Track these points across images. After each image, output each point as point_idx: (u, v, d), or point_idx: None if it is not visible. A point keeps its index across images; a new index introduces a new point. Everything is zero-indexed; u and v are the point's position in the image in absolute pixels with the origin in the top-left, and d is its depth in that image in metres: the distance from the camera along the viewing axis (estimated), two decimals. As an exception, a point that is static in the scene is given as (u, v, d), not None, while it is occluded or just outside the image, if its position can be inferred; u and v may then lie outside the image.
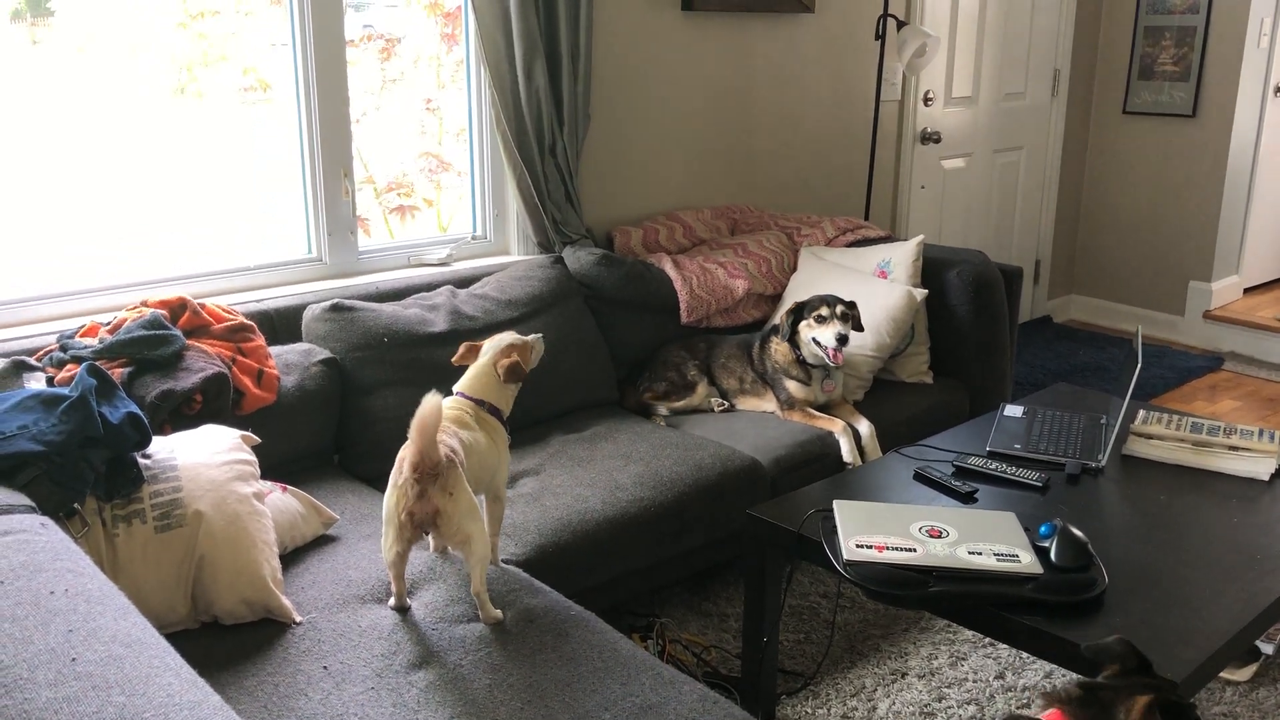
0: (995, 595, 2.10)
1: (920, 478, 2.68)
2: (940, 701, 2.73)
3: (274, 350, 2.93)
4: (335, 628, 2.11)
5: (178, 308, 2.70)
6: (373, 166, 3.78)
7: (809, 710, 2.69)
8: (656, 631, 2.80)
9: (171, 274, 3.14)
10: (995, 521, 2.33)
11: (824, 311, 3.23)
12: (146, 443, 2.15)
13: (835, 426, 3.20)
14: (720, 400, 3.40)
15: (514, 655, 2.04)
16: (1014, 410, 3.10)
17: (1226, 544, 2.36)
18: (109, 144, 3.13)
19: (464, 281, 3.44)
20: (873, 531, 2.26)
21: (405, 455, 2.06)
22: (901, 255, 3.57)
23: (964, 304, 3.58)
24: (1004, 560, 2.15)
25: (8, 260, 2.93)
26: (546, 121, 3.53)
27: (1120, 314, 6.10)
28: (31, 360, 2.52)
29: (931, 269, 3.63)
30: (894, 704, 2.72)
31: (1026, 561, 2.15)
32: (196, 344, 2.64)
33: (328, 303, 3.03)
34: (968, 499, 2.57)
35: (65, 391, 2.07)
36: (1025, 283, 5.85)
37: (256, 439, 2.39)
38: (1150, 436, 2.83)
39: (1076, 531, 2.24)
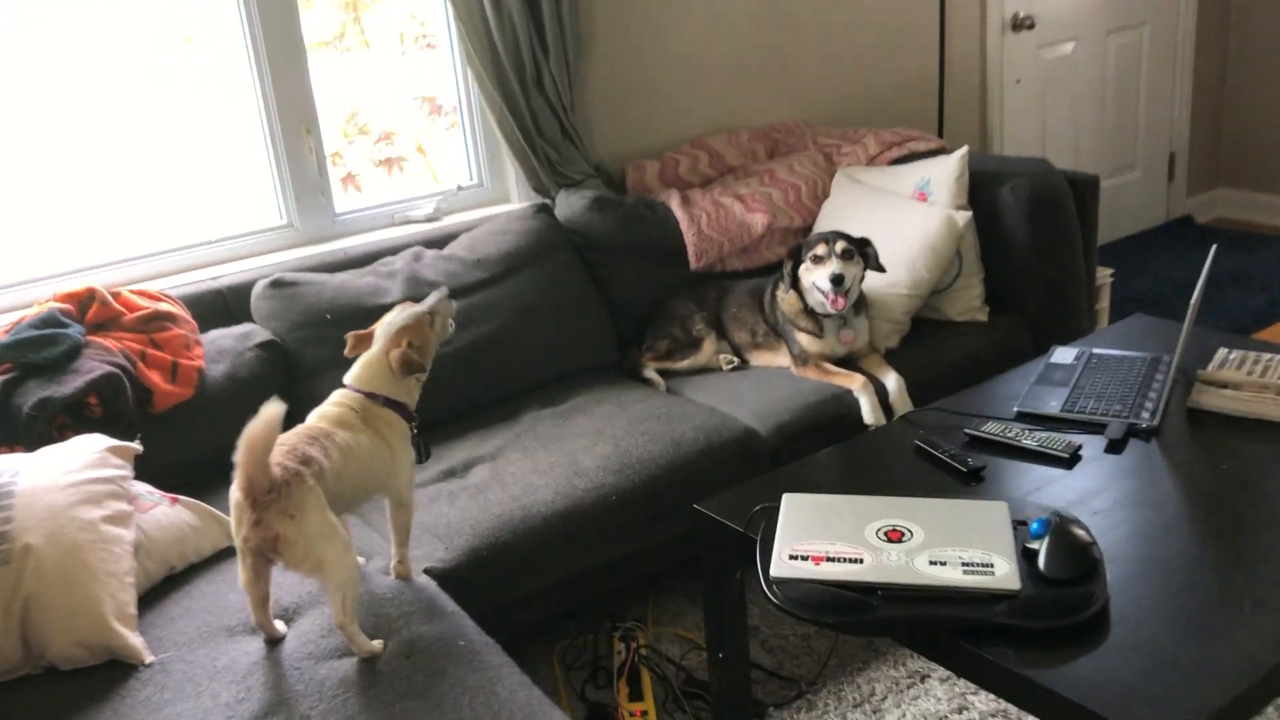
0: (953, 620, 1.66)
1: (921, 451, 2.22)
2: (961, 714, 2.30)
3: (211, 335, 2.69)
4: (186, 670, 1.85)
5: (85, 299, 2.48)
6: (365, 115, 3.49)
7: (799, 726, 2.30)
8: (619, 638, 2.46)
9: (125, 254, 2.94)
10: (979, 516, 1.86)
11: (820, 250, 2.76)
12: (-23, 468, 1.93)
13: (854, 383, 2.75)
14: (730, 358, 2.99)
15: (371, 703, 1.74)
16: (1064, 355, 2.57)
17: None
18: (47, 118, 2.92)
19: (451, 239, 3.12)
20: (815, 536, 1.83)
21: (235, 476, 1.77)
22: (942, 172, 3.03)
23: (1021, 225, 3.02)
24: (973, 572, 1.70)
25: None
26: (526, 50, 3.14)
27: (1277, 208, 5.27)
28: (-73, 368, 2.35)
29: (982, 186, 3.07)
30: (904, 716, 2.30)
31: (1001, 574, 1.69)
32: (99, 339, 2.42)
33: (269, 278, 2.76)
34: (971, 479, 2.10)
35: None
36: (1158, 181, 5.14)
37: (137, 448, 2.15)
38: (1224, 384, 2.27)
39: (1077, 529, 1.76)
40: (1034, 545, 1.76)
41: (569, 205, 3.16)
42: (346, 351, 2.13)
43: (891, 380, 2.78)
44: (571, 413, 2.73)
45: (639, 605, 2.70)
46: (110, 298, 2.51)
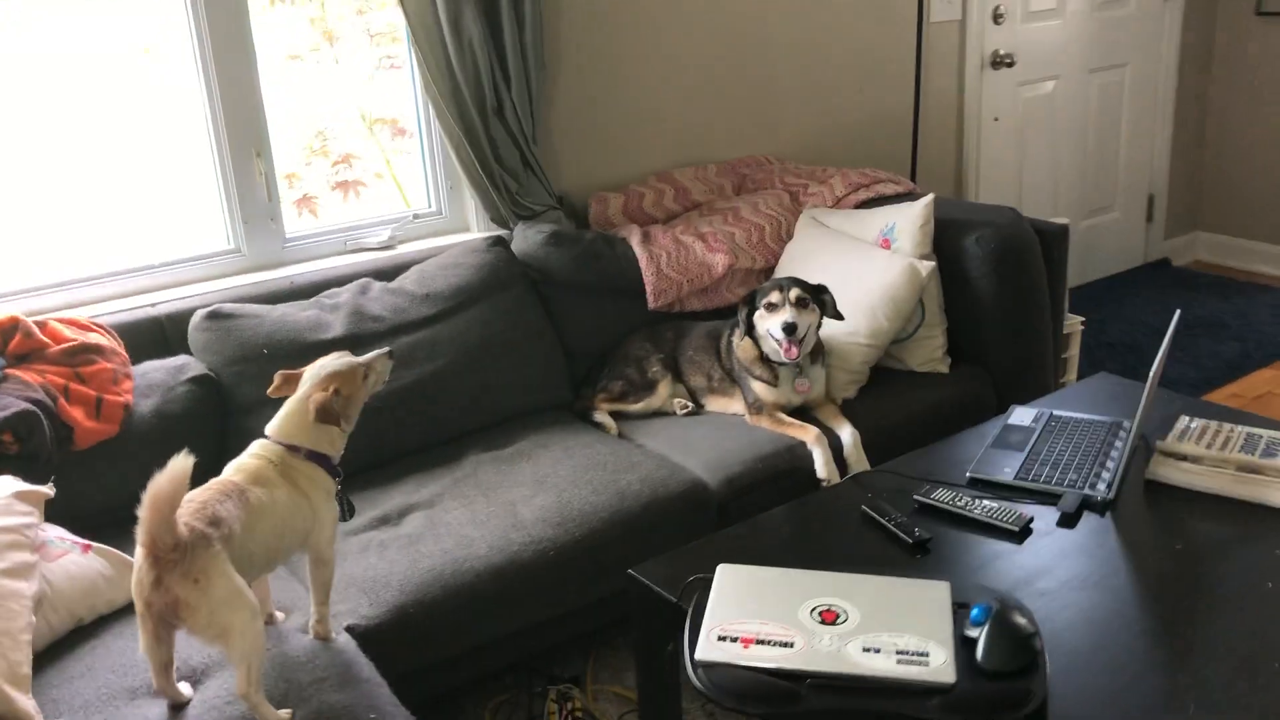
0: (882, 715, 1.57)
1: (867, 518, 2.13)
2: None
3: (144, 367, 2.59)
4: (80, 737, 1.76)
5: (9, 329, 2.38)
6: (329, 134, 3.40)
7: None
8: (553, 698, 2.37)
9: (62, 279, 2.84)
10: (919, 597, 1.78)
11: (774, 298, 2.68)
12: None
13: (807, 436, 2.66)
14: (684, 402, 2.90)
15: (270, 781, 1.64)
16: (1023, 415, 2.49)
17: (1263, 620, 1.74)
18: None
19: (405, 268, 3.03)
20: (748, 613, 1.75)
21: (138, 534, 1.68)
22: (907, 220, 2.96)
23: (986, 276, 2.94)
24: (907, 661, 1.62)
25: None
26: (486, 79, 3.05)
27: (1256, 254, 5.22)
28: None
29: (948, 234, 3.00)
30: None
31: (936, 665, 1.61)
32: (18, 373, 2.32)
33: (206, 309, 2.66)
34: (917, 550, 2.02)
35: None
36: (1135, 222, 5.09)
37: (48, 492, 2.05)
38: (1183, 456, 2.19)
39: (1019, 617, 1.68)
40: (973, 633, 1.68)
41: (526, 239, 3.08)
42: (270, 391, 2.05)
43: (846, 433, 2.70)
44: (515, 457, 2.64)
45: (579, 660, 2.61)
46: (35, 328, 2.40)
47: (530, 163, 3.21)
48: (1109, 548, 2.00)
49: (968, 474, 2.26)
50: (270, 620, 2.07)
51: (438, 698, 2.50)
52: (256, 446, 1.97)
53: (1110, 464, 2.21)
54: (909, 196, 3.19)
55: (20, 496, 1.99)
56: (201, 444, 2.18)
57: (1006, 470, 2.25)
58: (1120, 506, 2.12)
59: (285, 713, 1.79)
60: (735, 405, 2.84)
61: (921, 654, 1.63)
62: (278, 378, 2.04)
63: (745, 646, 1.68)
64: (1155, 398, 2.46)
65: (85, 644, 2.00)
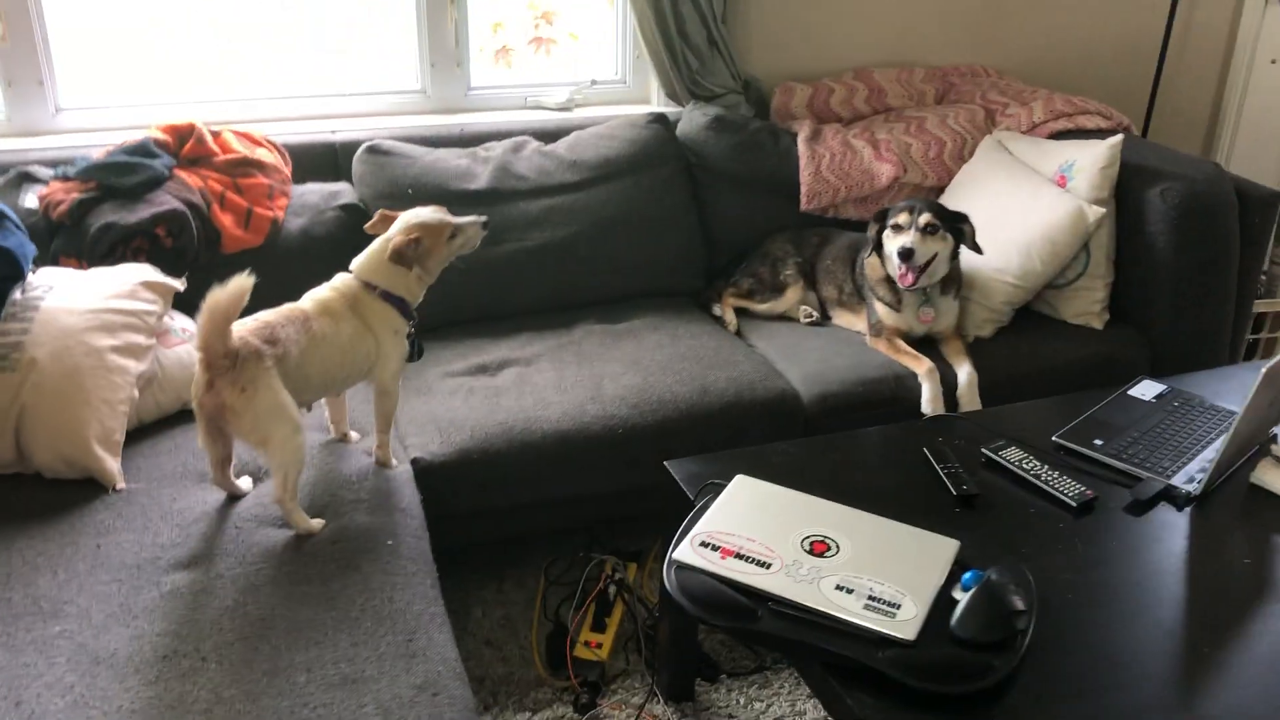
0: (830, 654, 1.55)
1: (925, 460, 2.06)
2: None
3: (306, 188, 2.79)
4: (146, 504, 1.98)
5: (185, 133, 2.61)
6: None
7: (741, 699, 2.24)
8: (610, 567, 2.44)
9: (259, 94, 3.06)
10: (922, 548, 1.72)
11: (901, 219, 2.54)
12: (18, 278, 2.10)
13: (920, 366, 2.56)
14: (810, 310, 2.84)
15: (278, 578, 1.81)
16: (1146, 389, 2.31)
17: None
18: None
19: (571, 132, 3.08)
20: (741, 527, 1.75)
21: (195, 340, 1.85)
22: (1089, 158, 2.71)
23: (1165, 233, 2.67)
24: (874, 609, 1.58)
25: (110, 64, 2.98)
26: (680, -50, 2.99)
27: None
28: (40, 172, 2.55)
29: (1134, 181, 2.73)
30: None
31: (902, 619, 1.56)
32: (186, 174, 2.55)
33: (368, 142, 2.82)
34: (963, 503, 1.94)
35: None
36: None
37: (177, 285, 2.28)
38: (1295, 465, 1.97)
39: (1013, 593, 1.60)
40: (960, 597, 1.62)
41: (690, 120, 3.05)
42: (367, 226, 2.16)
43: (964, 372, 2.57)
44: (622, 335, 2.68)
45: (649, 539, 2.67)
46: (209, 136, 2.62)
47: (716, 41, 3.14)
48: (1167, 545, 1.84)
49: (1054, 436, 2.12)
50: (345, 439, 2.23)
51: (503, 540, 2.64)
52: (337, 279, 2.10)
53: (1207, 457, 2.01)
54: (1107, 133, 2.91)
55: (148, 285, 2.22)
56: (338, 267, 2.32)
57: (1097, 441, 2.10)
58: (1206, 505, 1.94)
59: (318, 522, 1.94)
60: (860, 323, 2.76)
61: (893, 605, 1.59)
62: (377, 215, 2.15)
63: (723, 557, 1.68)
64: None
65: (182, 425, 2.22)
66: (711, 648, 2.36)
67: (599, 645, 2.31)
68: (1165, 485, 1.96)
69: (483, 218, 2.17)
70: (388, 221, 2.13)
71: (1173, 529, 1.88)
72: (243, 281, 1.78)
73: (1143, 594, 1.72)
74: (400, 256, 2.03)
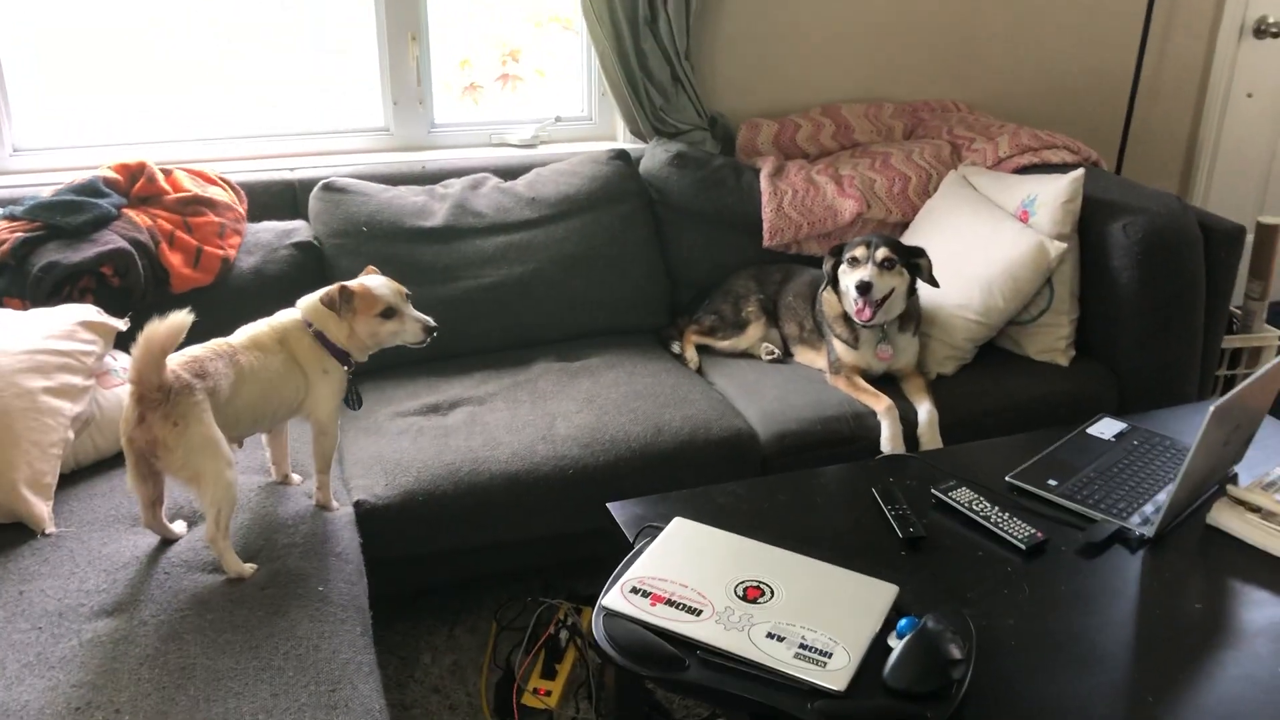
0: (758, 705, 1.50)
1: (873, 501, 2.01)
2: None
3: (261, 226, 2.77)
4: (74, 549, 1.94)
5: (136, 172, 2.60)
6: (497, 28, 3.45)
7: (694, 751, 2.18)
8: (564, 612, 2.39)
9: (217, 133, 3.05)
10: (859, 594, 1.67)
11: (858, 253, 2.51)
12: (-52, 318, 2.07)
13: (879, 405, 2.51)
14: (770, 348, 2.80)
15: (203, 625, 1.76)
16: (1106, 427, 2.26)
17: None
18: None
19: (533, 169, 3.06)
20: (674, 572, 1.70)
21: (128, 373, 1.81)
22: (1051, 193, 2.68)
23: (1129, 268, 2.64)
24: (805, 658, 1.53)
25: (67, 105, 2.97)
26: (640, -12, 2.98)
27: None
28: (-11, 212, 2.53)
29: (1097, 215, 2.70)
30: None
31: (833, 668, 1.51)
32: (134, 214, 2.52)
33: (324, 180, 2.80)
34: (909, 545, 1.89)
35: None
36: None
37: (118, 325, 2.24)
38: (1253, 507, 1.92)
39: (949, 641, 1.55)
40: (895, 645, 1.57)
41: (653, 157, 3.03)
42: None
43: (924, 410, 2.52)
44: (580, 372, 2.64)
45: (604, 583, 2.61)
46: (159, 175, 2.60)
47: (680, 78, 3.13)
48: (1118, 590, 1.79)
49: (1008, 476, 2.08)
50: (286, 481, 2.19)
51: (455, 584, 2.59)
52: (278, 314, 2.06)
53: (1161, 498, 1.97)
54: (1069, 167, 2.88)
55: (88, 325, 2.19)
56: (290, 305, 2.29)
57: (1051, 482, 2.05)
58: (1160, 548, 1.89)
59: (250, 566, 1.90)
60: (821, 361, 2.72)
61: (824, 653, 1.53)
62: (366, 268, 2.13)
63: (653, 604, 1.64)
64: (1271, 437, 2.17)
65: (120, 469, 2.17)
66: (664, 695, 2.30)
67: (548, 693, 2.25)
68: (1119, 527, 1.91)
69: (432, 323, 2.07)
70: (369, 274, 2.11)
71: (1124, 573, 1.83)
72: (182, 317, 1.75)
73: (1089, 641, 1.66)
74: (327, 300, 2.00)
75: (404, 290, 2.08)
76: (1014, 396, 2.63)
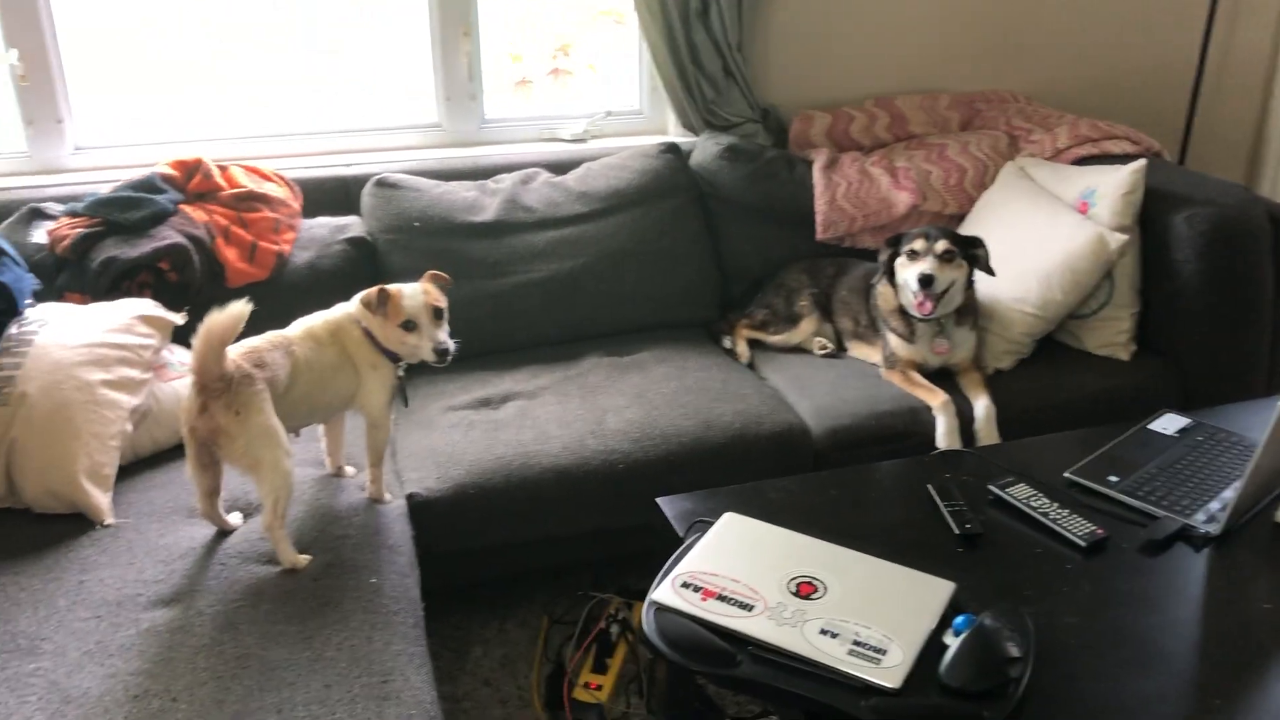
0: (811, 702, 1.48)
1: (930, 494, 1.98)
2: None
3: (315, 221, 2.79)
4: (132, 540, 1.97)
5: (192, 168, 2.63)
6: (549, 24, 3.45)
7: (746, 748, 2.16)
8: (615, 607, 2.38)
9: (273, 130, 3.08)
10: (915, 591, 1.65)
11: (917, 245, 2.47)
12: (13, 313, 2.11)
13: (934, 400, 2.48)
14: (824, 342, 2.77)
15: (257, 616, 1.78)
16: (1169, 423, 2.20)
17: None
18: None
19: (584, 163, 3.05)
20: (726, 567, 1.68)
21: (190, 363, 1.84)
22: (1111, 184, 2.63)
23: (1192, 260, 2.57)
24: (859, 654, 1.51)
25: (125, 103, 3.02)
26: (692, -20, 2.96)
27: None
28: (51, 208, 2.57)
29: (1159, 207, 2.64)
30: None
31: (887, 665, 1.49)
32: (191, 210, 2.55)
33: (377, 176, 2.81)
34: (965, 542, 1.86)
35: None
36: None
37: (175, 319, 2.27)
38: (1324, 505, 1.86)
39: (1007, 639, 1.51)
40: (951, 642, 1.54)
41: (703, 150, 3.01)
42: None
43: (981, 405, 2.48)
44: (630, 367, 2.63)
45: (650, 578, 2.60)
46: (215, 171, 2.63)
47: (733, 71, 3.11)
48: (1182, 589, 1.74)
49: (1066, 474, 2.03)
50: (340, 473, 2.21)
51: (506, 577, 2.60)
52: (336, 308, 2.08)
53: (1227, 495, 1.91)
54: (1130, 158, 2.82)
55: (145, 320, 2.22)
56: (342, 299, 2.27)
57: (1112, 478, 2.00)
58: (1226, 546, 1.84)
59: (304, 558, 1.91)
60: (876, 355, 2.68)
61: (878, 650, 1.51)
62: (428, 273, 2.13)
63: (704, 599, 1.62)
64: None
65: (177, 461, 2.20)
66: (716, 691, 2.28)
67: (599, 687, 2.24)
68: (1182, 525, 1.86)
69: (446, 345, 2.03)
70: (433, 279, 2.10)
71: (1189, 571, 1.78)
72: (240, 307, 1.78)
73: (1153, 641, 1.62)
74: (366, 300, 2.02)
75: (437, 305, 2.04)
76: (1073, 392, 2.58)
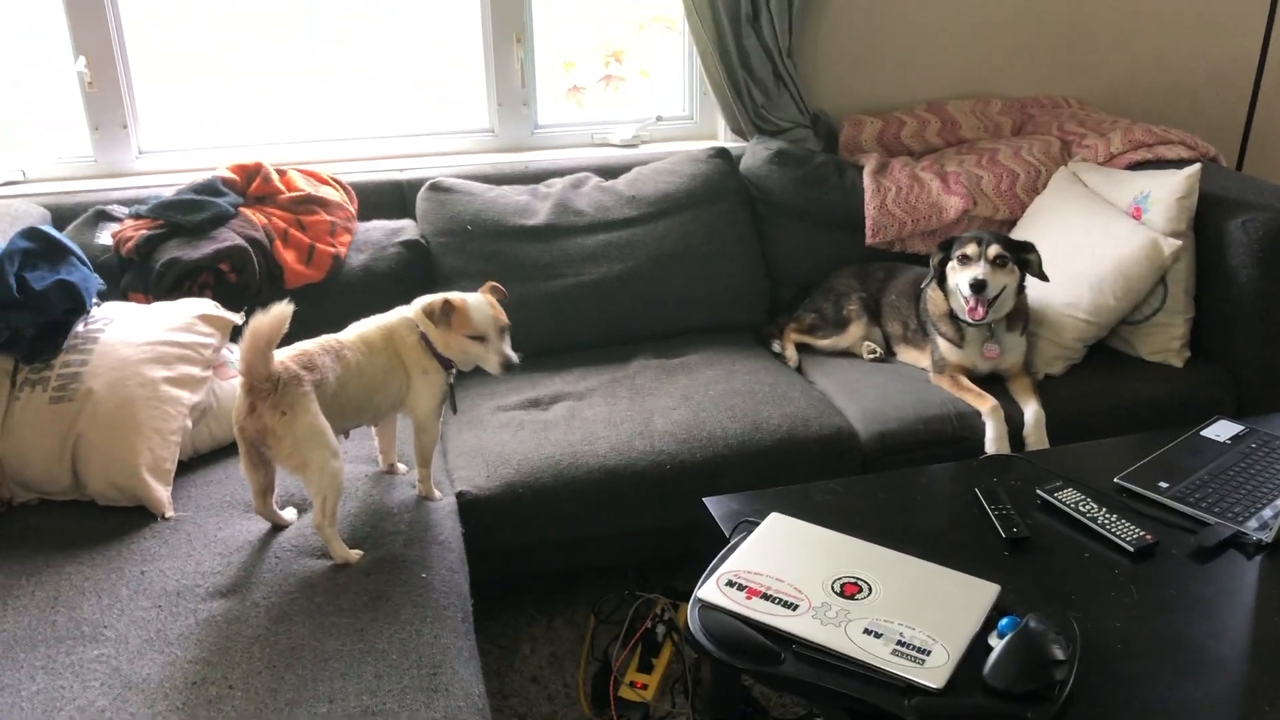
0: (854, 701, 1.49)
1: (978, 499, 1.98)
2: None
3: (370, 224, 2.84)
4: (191, 532, 2.02)
5: (252, 172, 2.69)
6: (599, 30, 3.49)
7: (790, 750, 2.17)
8: (661, 607, 2.40)
9: (330, 135, 3.15)
10: (959, 592, 1.65)
11: (970, 250, 2.46)
12: (80, 311, 2.17)
13: (984, 405, 2.47)
14: (873, 346, 2.77)
15: (311, 608, 1.82)
16: (1222, 429, 2.19)
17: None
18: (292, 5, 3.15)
19: (634, 168, 3.08)
20: (770, 567, 1.70)
21: (238, 364, 1.88)
22: (1165, 189, 2.60)
23: (1247, 266, 2.54)
24: (902, 654, 1.51)
25: (188, 108, 3.10)
26: (744, -15, 2.98)
27: None
28: (116, 210, 2.65)
29: (1214, 212, 2.61)
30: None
31: (932, 664, 1.49)
32: (251, 212, 2.61)
33: (431, 180, 2.86)
34: (1012, 545, 1.85)
35: (-5, 252, 2.13)
36: None
37: (234, 319, 2.32)
38: (1381, 514, 1.84)
39: (1052, 641, 1.51)
40: (995, 644, 1.54)
41: (753, 155, 3.03)
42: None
43: (1031, 411, 2.47)
44: (678, 369, 2.65)
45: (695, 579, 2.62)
46: (274, 175, 2.69)
47: (783, 76, 3.12)
48: (1233, 596, 1.73)
49: (1115, 479, 2.02)
50: (392, 470, 2.25)
51: (555, 575, 2.63)
52: (392, 312, 2.11)
53: (1280, 502, 1.89)
54: (1185, 163, 2.79)
55: (206, 319, 2.28)
56: (397, 301, 2.29)
57: (1162, 484, 1.99)
58: (1279, 554, 1.82)
59: (356, 553, 1.95)
60: (924, 359, 2.68)
61: (922, 650, 1.52)
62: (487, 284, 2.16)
63: (749, 597, 1.64)
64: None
65: (234, 457, 2.24)
66: (761, 692, 2.29)
67: (644, 686, 2.26)
68: (1234, 531, 1.85)
69: (514, 360, 2.06)
70: (492, 291, 2.13)
71: (1240, 578, 1.77)
72: (283, 308, 1.81)
73: (1202, 647, 1.61)
74: (428, 310, 2.05)
75: (504, 322, 2.08)
76: (1125, 398, 2.56)
